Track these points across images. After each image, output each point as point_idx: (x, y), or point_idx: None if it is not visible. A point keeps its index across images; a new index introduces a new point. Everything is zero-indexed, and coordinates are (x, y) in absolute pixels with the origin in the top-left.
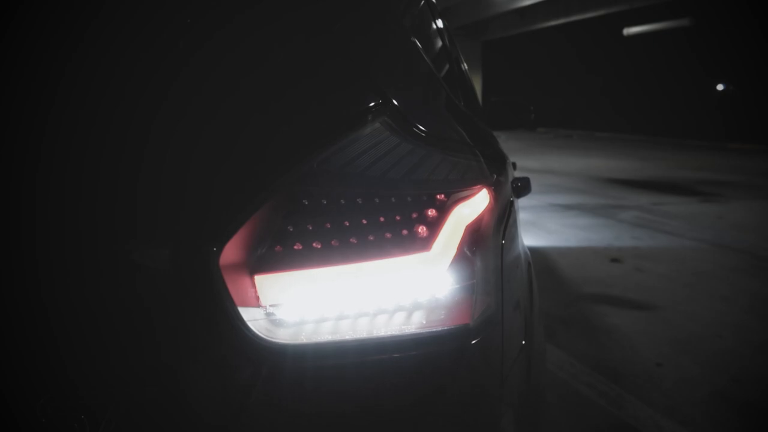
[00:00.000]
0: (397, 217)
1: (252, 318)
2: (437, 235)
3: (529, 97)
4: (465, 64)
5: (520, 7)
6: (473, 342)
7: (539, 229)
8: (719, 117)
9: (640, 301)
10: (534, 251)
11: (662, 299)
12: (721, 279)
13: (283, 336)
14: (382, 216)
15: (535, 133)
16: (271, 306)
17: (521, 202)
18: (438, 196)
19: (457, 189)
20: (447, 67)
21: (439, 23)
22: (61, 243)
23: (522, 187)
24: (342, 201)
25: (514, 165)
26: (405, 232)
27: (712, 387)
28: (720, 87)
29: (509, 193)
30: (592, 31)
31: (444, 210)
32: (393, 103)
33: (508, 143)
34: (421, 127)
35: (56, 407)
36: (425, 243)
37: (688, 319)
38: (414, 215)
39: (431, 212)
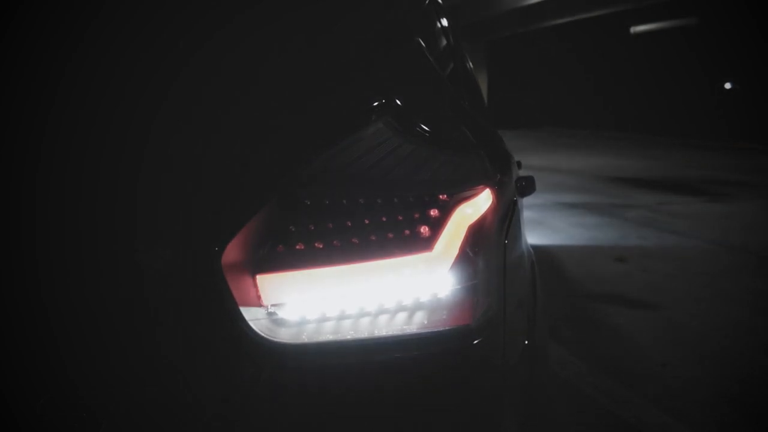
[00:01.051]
0: (400, 217)
1: (254, 318)
2: (439, 236)
3: (536, 95)
4: (470, 63)
5: (526, 5)
6: (474, 342)
7: (545, 227)
8: (725, 116)
9: (646, 300)
10: (540, 250)
11: (668, 299)
12: (727, 279)
13: (284, 336)
14: (384, 216)
15: (540, 131)
16: (272, 306)
17: (527, 201)
18: (440, 197)
19: (459, 189)
20: (451, 66)
21: (444, 22)
22: (62, 243)
23: (526, 186)
24: (344, 201)
25: (519, 164)
26: (407, 232)
27: (717, 388)
28: (728, 86)
29: (513, 192)
30: (598, 30)
31: (446, 210)
32: (396, 103)
33: (513, 141)
34: (424, 127)
35: (56, 407)
36: (427, 243)
37: (694, 319)
38: (416, 215)
39: (433, 212)
